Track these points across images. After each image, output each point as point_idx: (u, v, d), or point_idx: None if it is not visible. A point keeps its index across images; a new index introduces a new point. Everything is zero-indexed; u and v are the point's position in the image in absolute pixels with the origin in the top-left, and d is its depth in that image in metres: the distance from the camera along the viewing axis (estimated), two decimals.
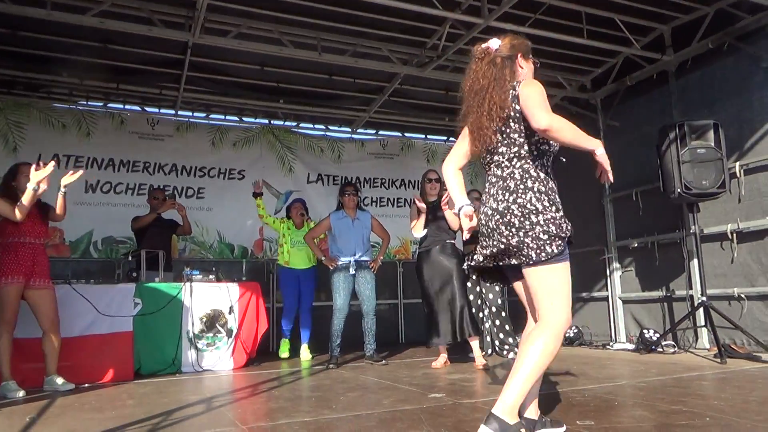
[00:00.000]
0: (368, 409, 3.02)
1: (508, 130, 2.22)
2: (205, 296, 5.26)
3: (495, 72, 2.25)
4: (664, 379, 3.78)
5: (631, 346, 5.87)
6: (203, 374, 4.91)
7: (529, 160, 2.21)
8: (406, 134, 8.70)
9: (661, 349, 5.39)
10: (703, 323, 5.33)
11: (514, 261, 2.17)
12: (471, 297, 5.21)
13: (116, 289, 4.94)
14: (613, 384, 3.68)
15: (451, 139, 8.97)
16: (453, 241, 5.04)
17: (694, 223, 5.14)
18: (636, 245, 6.36)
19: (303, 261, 6.21)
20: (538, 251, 2.10)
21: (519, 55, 2.33)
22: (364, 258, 5.31)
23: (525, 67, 2.34)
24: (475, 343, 4.86)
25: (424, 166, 8.13)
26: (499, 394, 2.07)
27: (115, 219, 6.71)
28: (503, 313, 5.54)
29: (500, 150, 2.24)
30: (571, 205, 7.33)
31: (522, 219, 2.13)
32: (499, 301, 5.53)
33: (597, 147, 2.20)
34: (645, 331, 5.73)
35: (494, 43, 2.32)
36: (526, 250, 2.11)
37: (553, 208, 2.16)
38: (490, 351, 5.60)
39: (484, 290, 5.51)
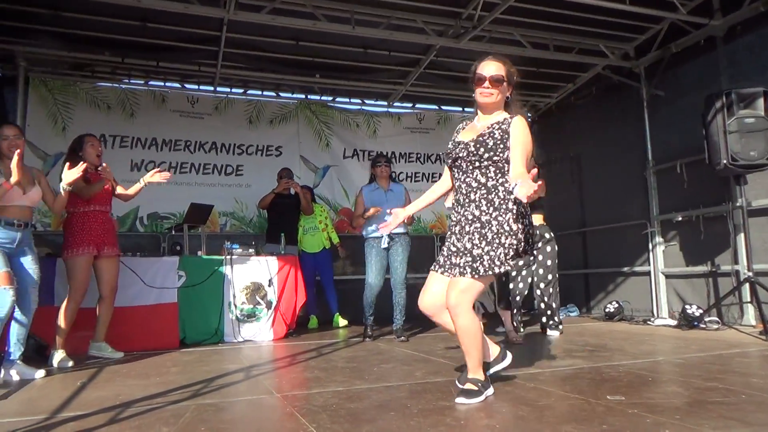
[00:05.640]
0: (400, 380, 3.08)
1: None
2: (246, 269, 5.40)
3: None
4: (704, 356, 3.70)
5: (673, 322, 5.75)
6: (244, 344, 5.07)
7: None
8: (443, 107, 8.60)
9: (704, 326, 5.26)
10: (748, 299, 5.16)
11: None
12: (513, 273, 5.13)
13: (161, 261, 5.13)
14: (650, 360, 3.63)
15: None
16: None
17: (741, 196, 4.94)
18: (680, 219, 6.16)
19: (316, 245, 6.61)
20: None
21: None
22: (398, 231, 5.12)
23: None
24: (506, 318, 4.85)
25: None
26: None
27: (160, 196, 6.91)
28: (551, 289, 5.23)
29: None
30: (613, 177, 7.20)
31: None
32: (549, 277, 5.21)
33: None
34: (687, 306, 5.59)
35: None
36: None
37: None
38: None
39: (534, 265, 5.25)
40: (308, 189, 6.89)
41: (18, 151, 3.39)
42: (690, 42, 6.02)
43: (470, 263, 2.53)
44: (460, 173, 2.68)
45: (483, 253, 2.52)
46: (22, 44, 6.04)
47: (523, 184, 2.22)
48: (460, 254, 2.59)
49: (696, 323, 5.30)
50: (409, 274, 5.22)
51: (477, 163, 2.61)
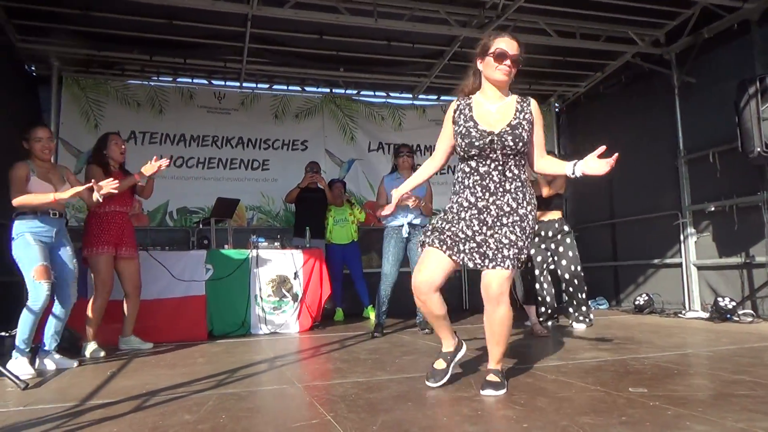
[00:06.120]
0: (420, 372, 3.07)
1: None
2: (272, 262, 5.47)
3: None
4: (734, 349, 3.61)
5: (705, 315, 5.61)
6: (270, 336, 5.14)
7: None
8: None
9: (737, 318, 5.13)
10: None
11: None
12: (539, 260, 5.11)
13: (189, 255, 5.24)
14: (678, 353, 3.55)
15: None
16: None
17: None
18: (713, 209, 6.00)
19: (345, 237, 6.71)
20: None
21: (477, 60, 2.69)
22: (418, 221, 5.03)
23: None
24: (531, 312, 4.81)
25: None
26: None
27: (188, 191, 7.11)
28: (575, 281, 5.09)
29: None
30: (643, 167, 7.03)
31: None
32: (573, 268, 5.07)
33: None
34: (720, 299, 5.45)
35: None
36: None
37: None
38: (548, 320, 5.37)
39: (556, 258, 5.18)
40: (341, 183, 7.02)
41: (114, 183, 3.53)
42: (723, 26, 5.83)
43: (517, 254, 2.51)
44: (489, 161, 2.57)
45: (527, 244, 2.56)
46: (55, 44, 6.20)
47: (592, 161, 2.47)
48: (506, 246, 2.50)
49: (729, 316, 5.17)
50: None
51: (512, 154, 2.58)
